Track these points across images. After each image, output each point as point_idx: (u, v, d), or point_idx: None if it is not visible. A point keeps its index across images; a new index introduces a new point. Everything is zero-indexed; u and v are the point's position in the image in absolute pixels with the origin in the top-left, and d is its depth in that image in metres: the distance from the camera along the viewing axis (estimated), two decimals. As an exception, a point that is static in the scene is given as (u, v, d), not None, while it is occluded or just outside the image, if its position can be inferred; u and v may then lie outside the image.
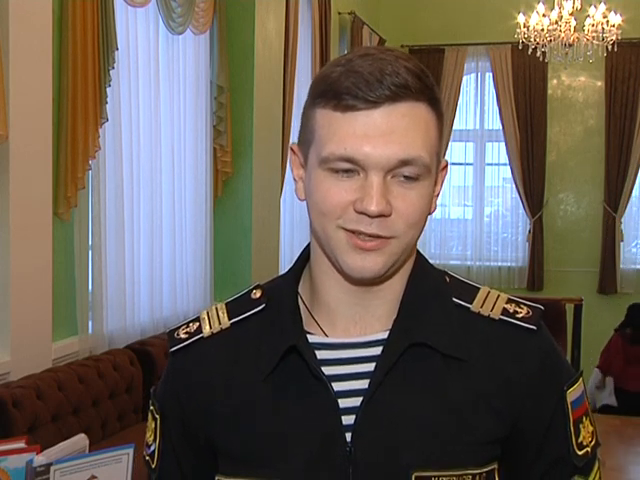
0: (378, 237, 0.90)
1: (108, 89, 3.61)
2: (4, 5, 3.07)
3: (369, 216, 0.89)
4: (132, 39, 3.99)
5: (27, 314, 3.24)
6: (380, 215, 0.88)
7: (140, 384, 3.75)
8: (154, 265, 4.26)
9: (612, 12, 5.74)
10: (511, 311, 0.99)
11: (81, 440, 1.93)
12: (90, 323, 3.75)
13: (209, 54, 4.72)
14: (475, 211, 7.91)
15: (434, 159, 0.93)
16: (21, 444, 1.80)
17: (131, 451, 1.80)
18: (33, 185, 3.25)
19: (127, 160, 3.94)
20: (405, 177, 0.90)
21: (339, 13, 6.49)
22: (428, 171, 0.91)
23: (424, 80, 0.90)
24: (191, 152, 4.62)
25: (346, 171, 0.90)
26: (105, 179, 3.77)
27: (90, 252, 3.71)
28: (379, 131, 0.88)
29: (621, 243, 7.50)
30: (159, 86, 4.25)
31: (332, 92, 0.89)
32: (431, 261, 1.04)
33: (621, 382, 5.50)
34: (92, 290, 3.74)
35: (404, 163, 0.89)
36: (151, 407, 1.06)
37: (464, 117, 7.88)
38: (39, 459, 1.73)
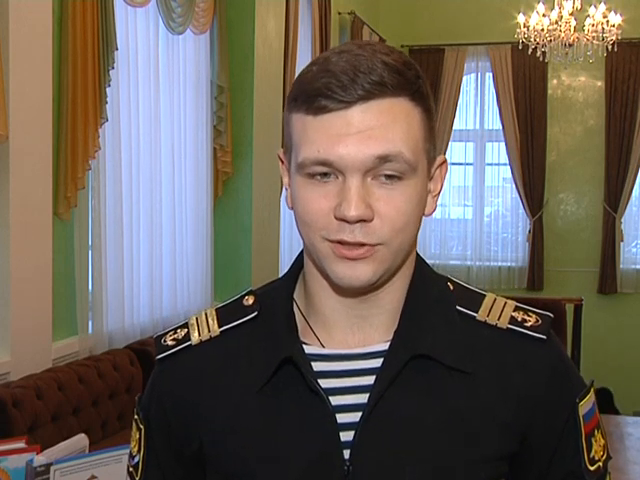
0: (363, 245, 0.84)
1: (108, 89, 3.61)
2: (4, 5, 3.07)
3: (349, 222, 0.83)
4: (132, 39, 3.99)
5: (27, 314, 3.24)
6: (360, 220, 0.83)
7: (140, 384, 3.75)
8: (154, 265, 4.26)
9: (612, 12, 5.74)
10: (519, 319, 0.93)
11: (81, 440, 1.93)
12: (90, 323, 3.75)
13: (209, 54, 4.72)
14: (475, 211, 7.90)
15: (421, 157, 0.87)
16: (21, 444, 1.80)
17: (131, 451, 1.80)
18: (33, 185, 3.25)
19: (127, 160, 3.94)
20: (387, 177, 0.84)
21: (339, 13, 6.49)
22: (413, 170, 0.85)
23: (405, 74, 0.84)
24: (191, 152, 4.62)
25: (323, 175, 0.84)
26: (105, 179, 3.77)
27: (90, 252, 3.71)
28: (353, 130, 0.82)
29: (621, 243, 7.50)
30: (159, 86, 4.25)
31: (304, 95, 0.84)
32: (431, 261, 1.00)
33: None
34: (92, 290, 3.74)
35: (383, 160, 0.83)
36: (135, 416, 1.01)
37: (464, 117, 7.88)
38: (39, 459, 1.73)
